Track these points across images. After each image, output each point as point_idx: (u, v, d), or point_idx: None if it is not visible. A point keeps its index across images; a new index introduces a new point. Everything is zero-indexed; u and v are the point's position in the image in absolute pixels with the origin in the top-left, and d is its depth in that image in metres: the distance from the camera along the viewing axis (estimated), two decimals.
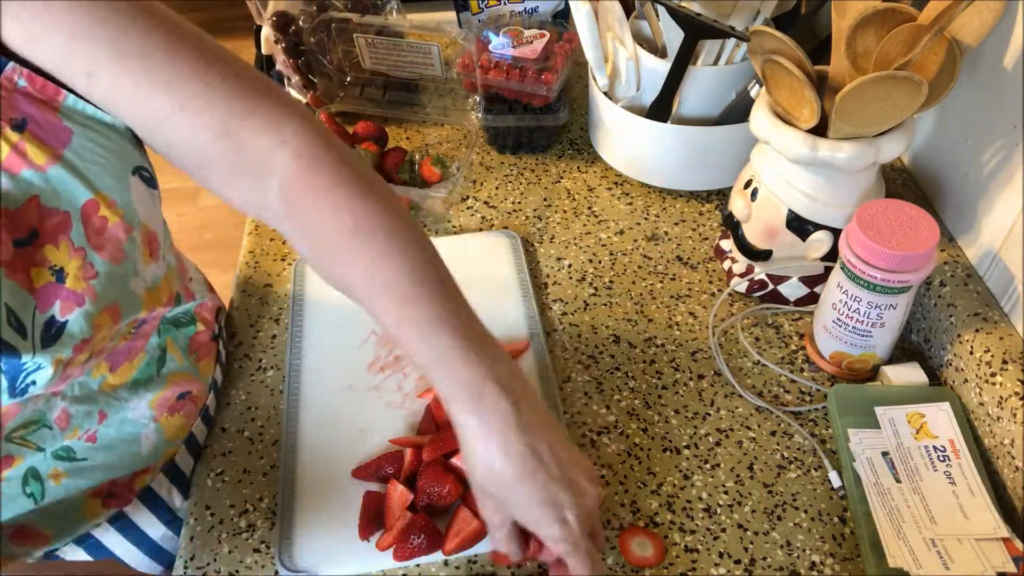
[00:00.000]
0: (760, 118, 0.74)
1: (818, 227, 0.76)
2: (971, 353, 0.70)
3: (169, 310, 0.66)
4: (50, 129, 0.51)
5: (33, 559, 0.65)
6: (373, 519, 0.66)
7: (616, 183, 0.99)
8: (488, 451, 0.53)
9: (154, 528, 0.74)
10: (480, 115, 1.00)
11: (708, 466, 0.71)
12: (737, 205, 0.81)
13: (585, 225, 0.94)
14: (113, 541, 0.71)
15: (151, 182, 0.59)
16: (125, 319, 0.57)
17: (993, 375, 0.68)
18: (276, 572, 0.65)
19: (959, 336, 0.72)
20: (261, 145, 0.53)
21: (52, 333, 0.51)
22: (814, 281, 0.82)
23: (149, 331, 0.65)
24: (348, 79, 1.07)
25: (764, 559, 0.65)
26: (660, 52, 0.92)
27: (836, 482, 0.69)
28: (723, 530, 0.67)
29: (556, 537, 0.53)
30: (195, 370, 0.71)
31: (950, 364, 0.74)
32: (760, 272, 0.83)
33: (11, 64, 0.49)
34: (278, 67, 1.09)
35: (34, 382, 0.51)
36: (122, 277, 0.56)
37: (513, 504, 0.54)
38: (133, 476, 0.68)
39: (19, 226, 0.49)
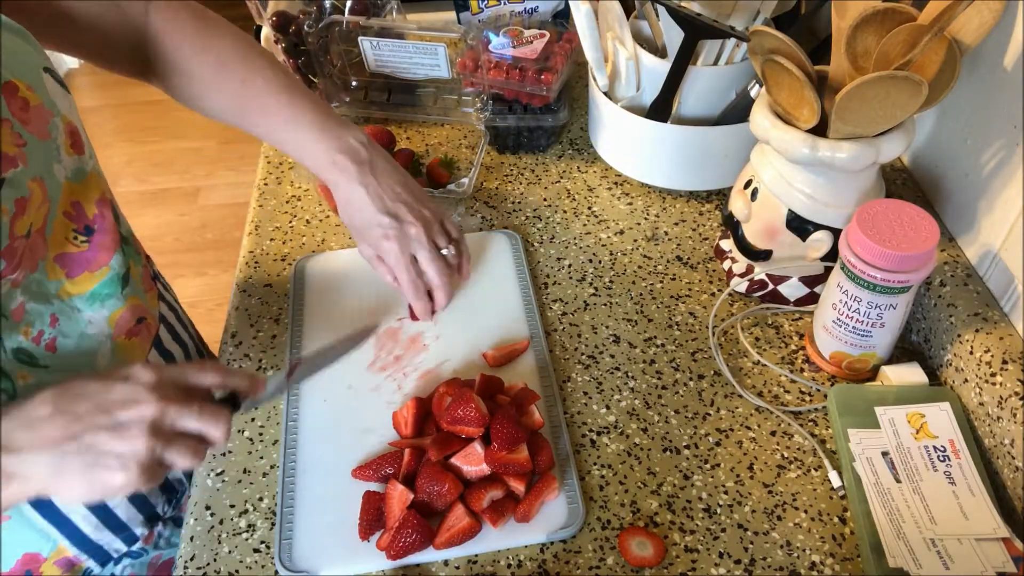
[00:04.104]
0: (760, 118, 0.74)
1: (818, 227, 0.76)
2: (971, 353, 0.70)
3: (116, 224, 0.69)
4: None
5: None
6: (373, 519, 0.66)
7: (616, 183, 0.99)
8: (347, 196, 0.74)
9: None
10: (481, 115, 1.00)
11: (708, 466, 0.71)
12: (737, 205, 0.81)
13: (585, 225, 0.94)
14: None
15: (62, 84, 0.64)
16: (52, 200, 0.61)
17: (993, 375, 0.68)
18: (276, 572, 0.65)
19: (959, 336, 0.72)
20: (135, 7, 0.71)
21: None
22: (814, 281, 0.82)
23: (108, 244, 0.67)
24: (354, 82, 1.06)
25: (764, 559, 0.65)
26: (660, 52, 0.92)
27: (836, 482, 0.69)
28: (723, 530, 0.67)
29: (393, 250, 0.73)
30: (146, 300, 0.74)
31: (950, 364, 0.74)
32: (760, 272, 0.83)
33: None
34: None
35: None
36: (47, 154, 0.60)
37: (366, 226, 0.74)
38: None
39: None
